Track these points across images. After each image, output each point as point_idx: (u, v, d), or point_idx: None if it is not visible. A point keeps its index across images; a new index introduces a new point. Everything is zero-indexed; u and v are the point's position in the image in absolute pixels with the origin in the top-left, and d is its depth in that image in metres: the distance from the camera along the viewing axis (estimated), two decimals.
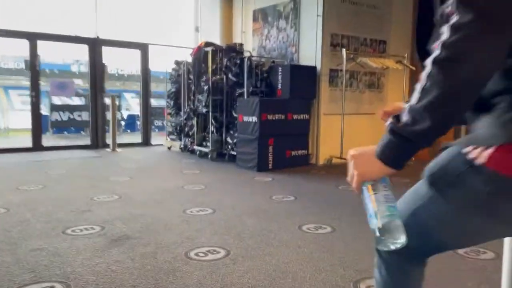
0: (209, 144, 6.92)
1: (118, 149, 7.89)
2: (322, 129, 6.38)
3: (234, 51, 6.71)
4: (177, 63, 8.13)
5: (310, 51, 6.41)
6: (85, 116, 11.68)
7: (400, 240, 0.88)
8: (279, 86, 6.26)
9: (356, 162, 0.95)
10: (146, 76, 8.78)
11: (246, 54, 6.95)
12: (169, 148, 8.22)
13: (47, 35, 7.72)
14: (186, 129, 7.62)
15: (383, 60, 6.50)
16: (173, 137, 8.21)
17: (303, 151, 6.32)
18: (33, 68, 7.42)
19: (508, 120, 0.79)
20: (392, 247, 0.90)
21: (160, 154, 7.67)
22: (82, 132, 11.99)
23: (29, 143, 7.56)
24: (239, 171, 5.77)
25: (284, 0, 6.84)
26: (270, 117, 5.85)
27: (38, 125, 7.61)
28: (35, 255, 2.51)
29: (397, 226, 0.88)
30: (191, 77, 7.45)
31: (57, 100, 11.55)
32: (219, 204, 3.86)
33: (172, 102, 8.14)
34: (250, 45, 7.56)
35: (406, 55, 6.77)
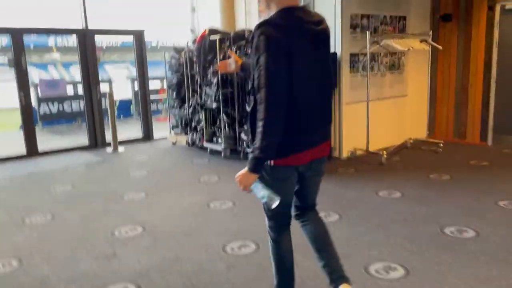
0: (220, 140, 6.41)
1: (120, 148, 7.34)
2: (344, 120, 5.90)
3: (243, 39, 6.08)
4: (177, 50, 7.46)
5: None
6: (76, 106, 11.01)
7: (277, 201, 1.79)
8: None
9: (241, 180, 1.83)
10: (142, 64, 8.09)
11: None
12: (174, 143, 7.67)
13: (33, 29, 6.95)
14: (193, 123, 7.06)
15: (408, 40, 5.95)
16: (178, 130, 7.66)
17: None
18: (18, 66, 6.69)
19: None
20: (275, 205, 1.80)
21: (167, 152, 7.13)
22: (74, 122, 11.31)
23: (21, 148, 6.95)
24: None
25: None
26: None
27: (31, 128, 6.96)
28: None
29: (276, 195, 1.80)
30: (195, 67, 6.82)
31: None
32: (258, 231, 3.41)
33: (174, 93, 7.52)
34: None
35: (430, 33, 6.25)
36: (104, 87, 7.99)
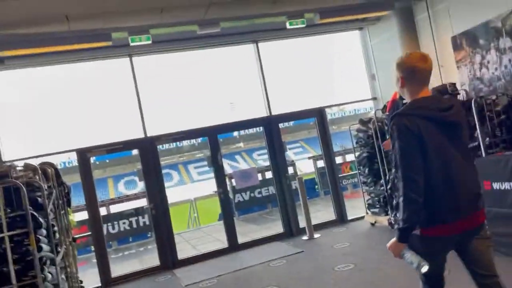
0: None
1: (315, 234, 6.83)
2: None
3: (446, 93, 5.13)
4: (363, 122, 6.89)
5: None
6: (265, 191, 11.29)
7: (426, 267, 2.00)
8: None
9: (391, 249, 2.14)
10: (327, 142, 7.73)
11: (462, 94, 5.30)
12: (372, 224, 6.80)
13: (225, 126, 7.43)
14: (394, 201, 6.12)
15: None
16: (375, 210, 6.80)
17: None
18: (215, 163, 7.07)
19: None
20: (425, 270, 2.00)
21: (368, 237, 6.29)
22: (265, 209, 11.55)
23: (223, 240, 7.12)
24: (506, 263, 3.96)
25: (500, 13, 5.06)
26: None
27: (231, 223, 7.10)
28: None
29: (424, 262, 2.01)
30: (387, 137, 6.06)
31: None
32: None
33: (366, 170, 6.82)
34: (456, 80, 5.86)
35: None
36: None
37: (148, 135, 6.66)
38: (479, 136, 4.54)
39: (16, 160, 5.70)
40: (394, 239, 2.10)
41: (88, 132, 7.09)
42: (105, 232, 9.01)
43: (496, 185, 4.20)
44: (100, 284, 6.24)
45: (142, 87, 6.68)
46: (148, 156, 6.67)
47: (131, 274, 6.48)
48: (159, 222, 6.61)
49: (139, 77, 6.64)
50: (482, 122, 4.56)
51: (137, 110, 6.60)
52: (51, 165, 4.44)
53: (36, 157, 5.92)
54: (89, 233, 6.72)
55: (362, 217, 7.25)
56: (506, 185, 4.08)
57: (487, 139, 4.58)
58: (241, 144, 39.16)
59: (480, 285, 2.21)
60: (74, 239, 5.20)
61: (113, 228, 9.52)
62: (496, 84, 5.30)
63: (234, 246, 6.93)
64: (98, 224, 6.55)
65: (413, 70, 2.18)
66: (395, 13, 6.77)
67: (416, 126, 2.06)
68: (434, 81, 6.26)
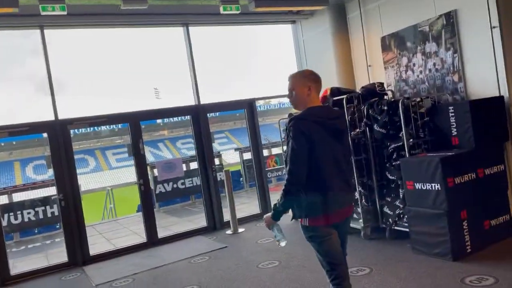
0: (357, 216, 5.35)
1: (240, 228, 6.67)
2: None
3: (374, 94, 5.19)
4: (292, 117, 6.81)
5: (487, 77, 4.66)
6: (189, 183, 10.89)
7: (284, 242, 2.61)
8: (454, 133, 4.55)
9: (266, 221, 2.64)
10: (255, 134, 7.58)
11: (389, 94, 5.41)
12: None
13: (149, 113, 6.92)
14: None
15: None
16: None
17: (504, 216, 4.48)
18: (137, 152, 6.57)
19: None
20: (283, 244, 2.62)
21: (291, 231, 6.08)
22: (188, 200, 11.18)
23: (141, 234, 6.65)
24: (426, 263, 4.10)
25: (429, 17, 5.21)
26: (458, 180, 4.16)
27: (151, 216, 6.62)
28: None
29: (284, 239, 2.61)
30: None
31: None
32: None
33: None
34: (383, 80, 5.98)
35: None
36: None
37: (60, 118, 5.96)
38: (404, 136, 4.63)
39: None
40: (270, 214, 2.60)
41: None
42: (5, 223, 8.11)
43: (418, 185, 4.32)
44: None
45: (55, 64, 5.94)
46: (59, 142, 5.95)
47: (34, 272, 5.78)
48: (69, 214, 5.96)
49: (51, 52, 5.88)
50: (407, 123, 4.65)
51: (47, 89, 5.86)
52: None
53: None
54: None
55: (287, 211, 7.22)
56: (427, 186, 4.21)
57: (411, 140, 4.69)
58: (165, 132, 37.92)
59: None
60: None
61: (16, 219, 8.53)
62: (420, 86, 5.49)
63: (153, 240, 6.51)
64: None
65: (316, 82, 2.61)
66: (329, 9, 6.74)
67: (309, 129, 2.43)
68: (363, 81, 6.36)
